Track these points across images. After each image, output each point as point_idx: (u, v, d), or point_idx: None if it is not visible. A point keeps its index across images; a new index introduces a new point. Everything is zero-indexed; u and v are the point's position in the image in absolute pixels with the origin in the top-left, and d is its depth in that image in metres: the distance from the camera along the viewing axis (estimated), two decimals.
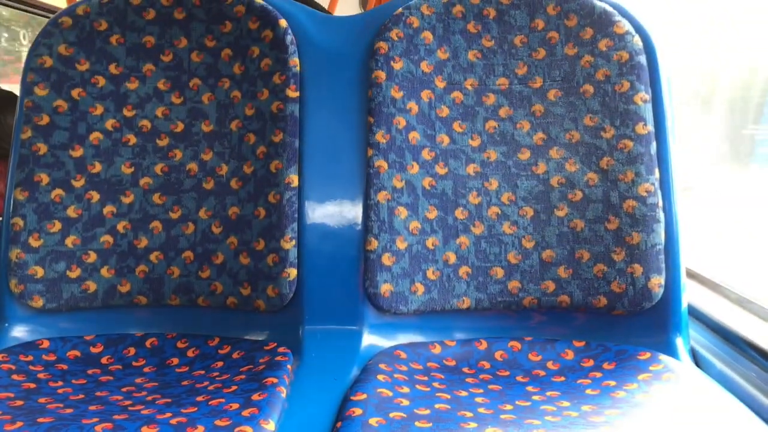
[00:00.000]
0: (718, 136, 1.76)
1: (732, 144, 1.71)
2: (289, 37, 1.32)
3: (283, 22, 1.33)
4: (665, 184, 1.23)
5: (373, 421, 0.91)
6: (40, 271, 1.27)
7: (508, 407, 0.99)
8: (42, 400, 1.03)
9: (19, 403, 1.00)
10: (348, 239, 1.27)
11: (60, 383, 1.12)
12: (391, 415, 0.93)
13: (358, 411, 0.94)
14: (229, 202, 1.31)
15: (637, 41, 1.26)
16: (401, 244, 1.24)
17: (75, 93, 1.32)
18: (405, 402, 0.98)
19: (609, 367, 1.13)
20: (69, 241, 1.29)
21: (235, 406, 0.95)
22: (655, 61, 1.26)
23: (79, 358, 1.23)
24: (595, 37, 1.27)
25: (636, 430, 0.90)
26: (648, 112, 1.23)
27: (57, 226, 1.28)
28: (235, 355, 1.19)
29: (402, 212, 1.24)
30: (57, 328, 1.29)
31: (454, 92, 1.31)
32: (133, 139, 1.34)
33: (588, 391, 1.05)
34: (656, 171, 1.22)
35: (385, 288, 1.22)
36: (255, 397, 0.98)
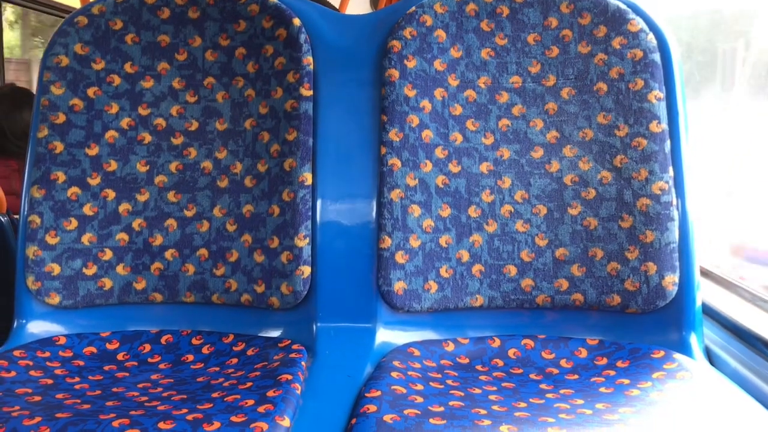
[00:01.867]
0: None
1: None
2: (303, 36, 1.33)
3: (296, 21, 1.33)
4: (679, 182, 1.22)
5: (387, 417, 0.91)
6: (56, 269, 1.28)
7: (522, 405, 0.99)
8: (59, 395, 1.04)
9: (37, 398, 1.02)
10: (361, 237, 1.27)
11: (77, 379, 1.13)
12: (406, 411, 0.93)
13: (372, 408, 0.94)
14: (244, 200, 1.32)
15: (651, 39, 1.26)
16: (414, 242, 1.24)
17: (91, 92, 1.33)
18: (419, 399, 0.99)
19: (623, 365, 1.13)
20: (85, 239, 1.30)
21: (251, 402, 0.96)
22: (669, 59, 1.26)
23: (96, 354, 1.24)
24: (608, 35, 1.27)
25: (650, 428, 0.90)
26: (662, 110, 1.23)
27: (73, 223, 1.30)
28: (249, 352, 1.20)
29: (415, 210, 1.25)
30: (73, 325, 1.31)
31: (468, 90, 1.31)
32: (148, 138, 1.35)
33: (602, 389, 1.05)
34: (670, 169, 1.22)
35: (399, 286, 1.22)
36: (270, 393, 0.98)
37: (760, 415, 0.92)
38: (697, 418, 0.91)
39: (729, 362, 1.15)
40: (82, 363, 1.20)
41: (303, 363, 1.12)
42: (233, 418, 0.91)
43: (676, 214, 1.21)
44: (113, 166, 1.33)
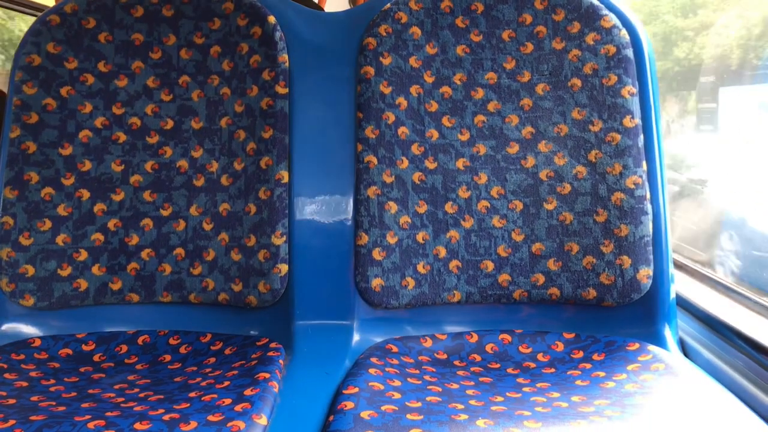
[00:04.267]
0: None
1: None
2: (278, 34, 1.32)
3: (271, 19, 1.33)
4: (652, 177, 1.24)
5: (365, 414, 0.91)
6: (30, 270, 1.27)
7: (499, 399, 1.00)
8: (34, 398, 1.03)
9: (12, 401, 1.00)
10: (338, 234, 1.27)
11: (52, 381, 1.12)
12: (383, 408, 0.94)
13: (350, 404, 0.94)
14: (220, 199, 1.31)
15: (624, 35, 1.27)
16: (391, 239, 1.24)
17: (64, 91, 1.32)
18: (397, 395, 0.99)
19: (598, 358, 1.14)
20: (59, 240, 1.29)
21: (228, 401, 0.96)
22: (642, 55, 1.27)
23: (71, 356, 1.23)
24: (582, 31, 1.28)
25: (625, 419, 0.91)
26: (635, 105, 1.24)
27: (47, 224, 1.28)
28: (227, 351, 1.20)
29: (392, 207, 1.25)
30: (49, 327, 1.29)
31: (443, 87, 1.31)
32: (122, 137, 1.34)
33: (578, 382, 1.06)
34: (644, 163, 1.23)
35: (376, 282, 1.22)
36: (247, 392, 0.98)
37: (732, 405, 0.94)
38: (671, 409, 0.92)
39: (702, 353, 1.17)
40: (57, 365, 1.19)
41: (281, 361, 1.12)
42: (210, 418, 0.91)
43: (649, 207, 1.22)
44: (87, 165, 1.32)
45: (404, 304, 1.24)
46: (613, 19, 1.28)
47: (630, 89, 1.24)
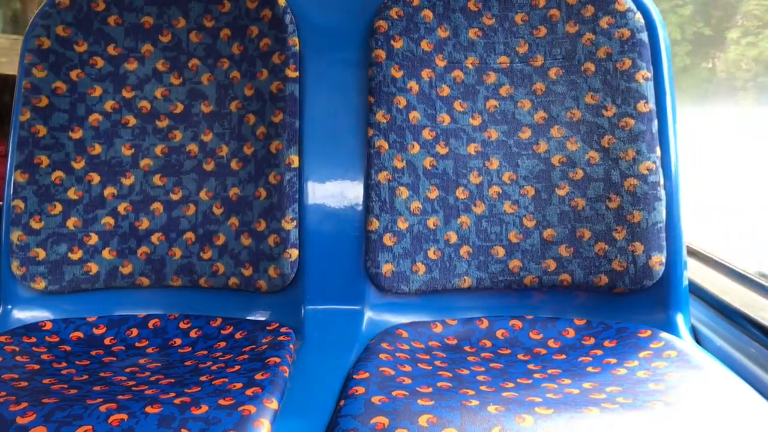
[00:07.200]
0: None
1: None
2: (288, 17, 1.31)
3: (282, 1, 1.32)
4: (666, 162, 1.23)
5: (375, 399, 0.91)
6: (41, 253, 1.27)
7: (510, 385, 1.00)
8: (46, 381, 1.03)
9: (24, 384, 1.01)
10: (349, 219, 1.27)
11: (64, 364, 1.12)
12: (394, 393, 0.93)
13: (360, 389, 0.94)
14: (230, 183, 1.31)
15: (639, 18, 1.25)
16: (402, 224, 1.24)
17: (74, 74, 1.32)
18: (407, 380, 0.99)
19: (610, 344, 1.13)
20: (70, 223, 1.29)
21: (239, 385, 0.96)
22: (657, 39, 1.25)
23: (82, 339, 1.24)
24: (596, 14, 1.26)
25: (637, 406, 0.90)
26: (649, 89, 1.23)
27: (58, 208, 1.28)
28: (237, 336, 1.20)
29: (403, 192, 1.24)
30: (60, 310, 1.30)
31: (455, 71, 1.30)
32: (132, 121, 1.33)
33: (589, 369, 1.05)
34: (657, 149, 1.22)
35: (387, 268, 1.22)
36: (258, 376, 0.98)
37: (745, 393, 0.93)
38: (683, 396, 0.92)
39: (715, 341, 1.16)
40: (68, 348, 1.20)
41: (291, 346, 1.12)
42: (221, 402, 0.91)
43: (663, 194, 1.21)
44: (97, 149, 1.31)
45: (414, 290, 1.23)
46: (627, 3, 1.26)
47: (644, 74, 1.23)
